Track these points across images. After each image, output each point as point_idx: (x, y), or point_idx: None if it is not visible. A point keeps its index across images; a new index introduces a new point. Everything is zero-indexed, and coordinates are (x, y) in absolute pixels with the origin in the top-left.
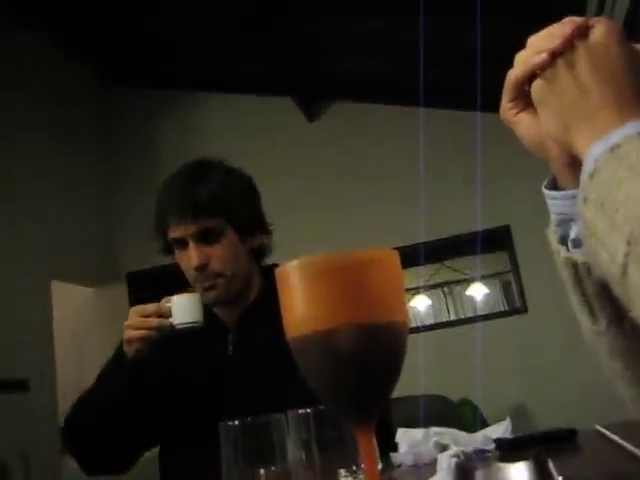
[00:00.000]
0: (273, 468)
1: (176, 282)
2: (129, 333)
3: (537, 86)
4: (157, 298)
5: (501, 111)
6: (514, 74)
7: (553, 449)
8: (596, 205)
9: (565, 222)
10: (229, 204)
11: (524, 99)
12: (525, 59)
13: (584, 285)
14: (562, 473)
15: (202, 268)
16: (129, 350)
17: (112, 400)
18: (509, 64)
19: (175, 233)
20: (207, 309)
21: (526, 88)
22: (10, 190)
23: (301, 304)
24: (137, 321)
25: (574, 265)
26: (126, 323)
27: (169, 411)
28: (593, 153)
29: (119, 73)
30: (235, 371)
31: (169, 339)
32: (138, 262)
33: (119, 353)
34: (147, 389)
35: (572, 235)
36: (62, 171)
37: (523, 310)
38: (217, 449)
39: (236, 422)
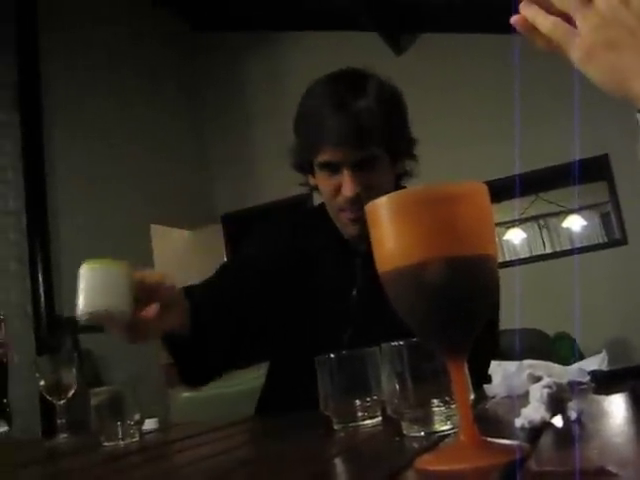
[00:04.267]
0: (368, 399)
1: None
2: None
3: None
4: None
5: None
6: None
7: None
8: None
9: None
10: (391, 130)
11: None
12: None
13: None
14: None
15: (356, 197)
16: None
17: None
18: None
19: (329, 157)
20: (336, 230)
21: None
22: (111, 142)
23: (391, 238)
24: None
25: None
26: None
27: (290, 315)
28: None
29: (205, 18)
30: (361, 298)
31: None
32: (232, 204)
33: None
34: (264, 277)
35: None
36: (158, 120)
37: (623, 242)
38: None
39: (332, 355)
